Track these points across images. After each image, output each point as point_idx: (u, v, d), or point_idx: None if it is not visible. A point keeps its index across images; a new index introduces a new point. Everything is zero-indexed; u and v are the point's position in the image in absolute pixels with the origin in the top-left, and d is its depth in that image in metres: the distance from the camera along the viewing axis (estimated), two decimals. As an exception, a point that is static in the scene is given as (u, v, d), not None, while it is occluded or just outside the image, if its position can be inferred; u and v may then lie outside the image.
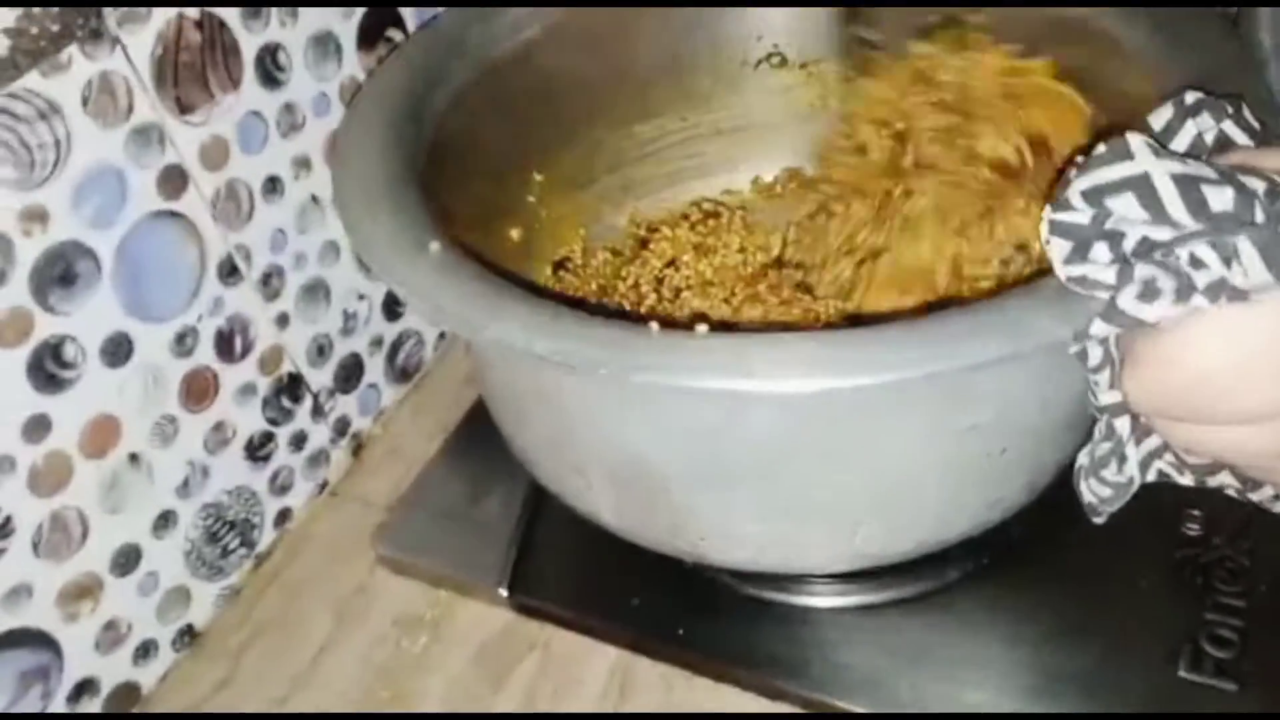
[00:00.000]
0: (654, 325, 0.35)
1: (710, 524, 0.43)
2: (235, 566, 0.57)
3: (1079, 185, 0.33)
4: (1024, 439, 0.40)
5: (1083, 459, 0.39)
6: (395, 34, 0.58)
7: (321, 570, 0.58)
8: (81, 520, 0.48)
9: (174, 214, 0.48)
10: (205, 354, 0.52)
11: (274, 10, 0.51)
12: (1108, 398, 0.36)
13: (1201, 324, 0.31)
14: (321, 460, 0.61)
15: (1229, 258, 0.31)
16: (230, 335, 0.53)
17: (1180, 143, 0.36)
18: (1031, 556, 0.48)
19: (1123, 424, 0.37)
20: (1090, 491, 0.40)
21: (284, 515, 0.59)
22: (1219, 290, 0.31)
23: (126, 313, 0.47)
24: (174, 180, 0.48)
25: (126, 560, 0.50)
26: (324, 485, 0.61)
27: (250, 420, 0.56)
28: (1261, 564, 0.47)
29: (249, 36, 0.50)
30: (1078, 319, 0.33)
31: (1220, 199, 0.32)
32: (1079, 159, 0.35)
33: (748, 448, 0.38)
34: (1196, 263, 0.31)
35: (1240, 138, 0.36)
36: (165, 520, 0.52)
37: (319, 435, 0.60)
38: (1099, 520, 0.40)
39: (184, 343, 0.50)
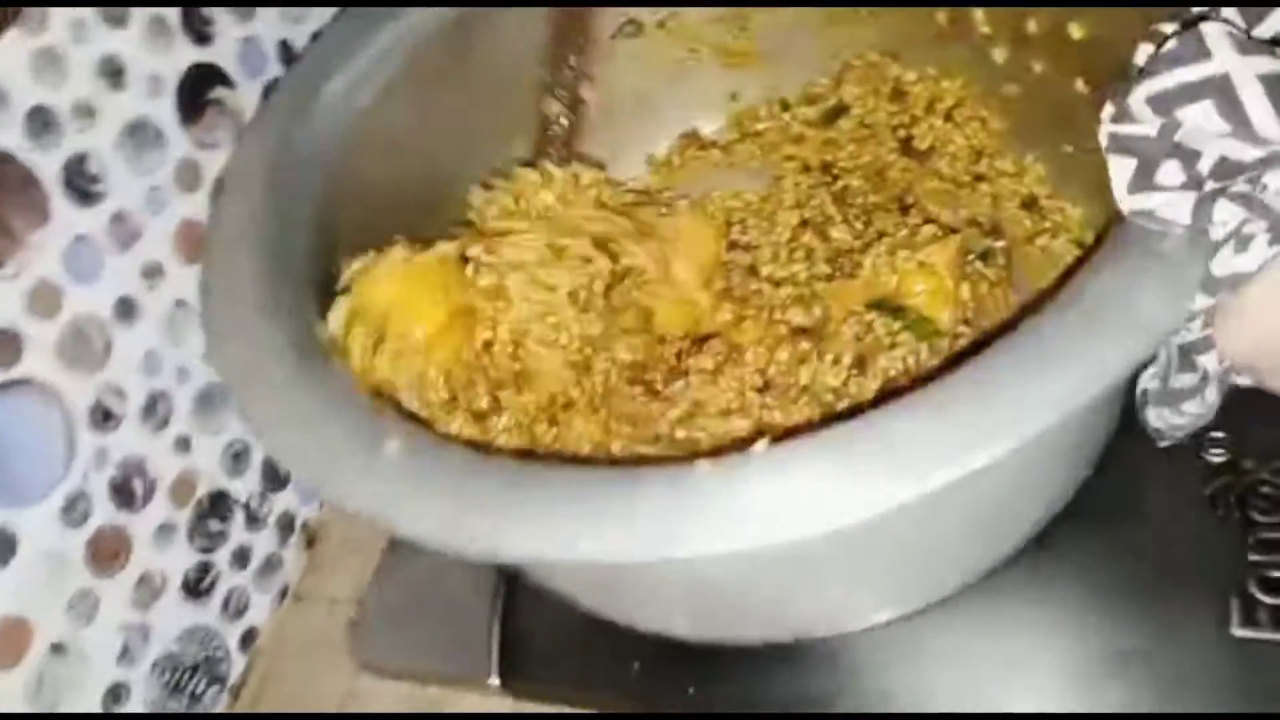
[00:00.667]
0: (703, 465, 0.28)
1: (739, 612, 0.38)
2: (211, 706, 0.52)
3: (1143, 90, 0.27)
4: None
5: (1149, 384, 0.34)
6: (223, 93, 0.51)
7: (303, 686, 0.53)
8: (17, 733, 0.43)
9: (17, 382, 0.42)
10: (104, 513, 0.46)
11: (67, 119, 0.43)
12: (1189, 334, 0.30)
13: None
14: (275, 566, 0.56)
15: None
16: (126, 482, 0.47)
17: (1270, 26, 0.29)
18: (1057, 536, 0.43)
19: (1209, 360, 0.32)
20: (1161, 419, 0.35)
21: (249, 637, 0.55)
22: None
23: (-3, 505, 0.42)
24: (4, 347, 0.42)
25: (84, 749, 0.46)
26: (285, 591, 0.56)
27: (179, 559, 0.50)
28: (1300, 481, 0.43)
29: (42, 158, 0.43)
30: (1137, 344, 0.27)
31: None
32: (1143, 57, 0.28)
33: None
34: None
35: None
36: (115, 694, 0.47)
37: (263, 542, 0.55)
38: (1165, 444, 0.37)
39: (74, 511, 0.45)
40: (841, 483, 0.27)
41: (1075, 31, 0.39)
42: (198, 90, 0.49)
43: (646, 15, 0.50)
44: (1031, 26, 0.42)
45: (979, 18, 0.45)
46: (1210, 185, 0.26)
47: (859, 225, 0.46)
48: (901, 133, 0.48)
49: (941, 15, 0.46)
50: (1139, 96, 0.27)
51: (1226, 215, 0.26)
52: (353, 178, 0.42)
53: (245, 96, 0.52)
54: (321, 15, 0.54)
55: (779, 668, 0.44)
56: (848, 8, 0.47)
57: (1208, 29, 0.26)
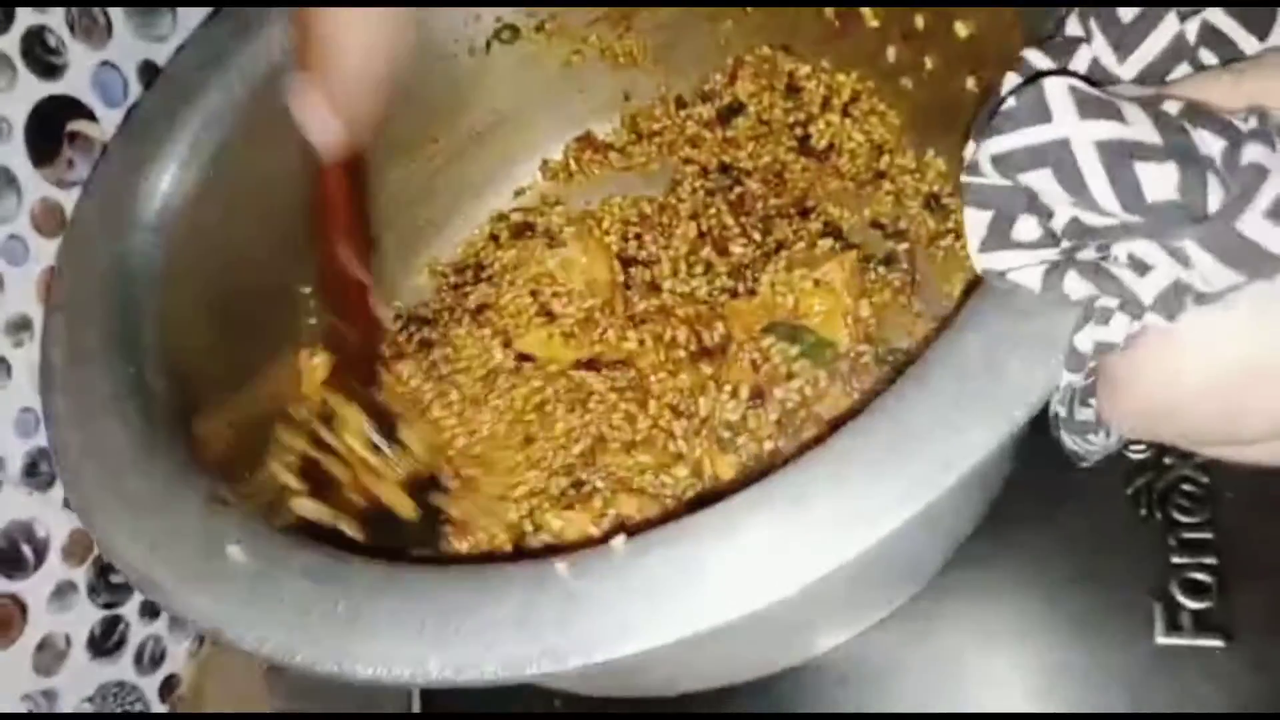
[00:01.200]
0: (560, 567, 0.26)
1: (687, 671, 0.37)
2: (134, 761, 0.51)
3: (988, 148, 0.25)
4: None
5: (1058, 408, 0.32)
6: (83, 125, 0.47)
7: (232, 731, 0.52)
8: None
9: (-126, 462, 0.40)
10: (-9, 584, 0.44)
11: (-103, 175, 0.40)
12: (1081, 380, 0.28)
13: (1169, 339, 0.24)
14: (188, 611, 0.54)
15: (1181, 258, 0.23)
16: (14, 548, 0.45)
17: (1154, 44, 0.26)
18: (980, 549, 0.42)
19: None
20: (1073, 443, 0.33)
21: (168, 685, 0.53)
22: (1174, 302, 0.23)
23: None
24: None
25: (-4, 826, 0.44)
26: (202, 637, 0.55)
27: (81, 619, 0.48)
28: (1221, 476, 0.41)
29: (-124, 220, 0.40)
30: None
31: (1160, 183, 0.23)
32: (997, 92, 0.26)
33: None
34: (1140, 265, 0.23)
35: (1238, 34, 0.26)
36: (24, 764, 0.46)
37: (174, 588, 0.53)
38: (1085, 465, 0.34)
39: (-45, 586, 0.43)
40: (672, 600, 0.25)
41: (961, 30, 0.37)
42: (52, 126, 0.46)
43: (522, 19, 0.47)
44: (919, 22, 0.40)
45: (867, 13, 0.42)
46: (1065, 243, 0.24)
47: (757, 235, 0.44)
48: (799, 130, 0.46)
49: (829, 10, 0.44)
50: (984, 154, 0.25)
51: (1076, 287, 0.24)
52: (183, 289, 0.39)
53: (108, 125, 0.48)
54: (185, 28, 0.50)
55: (727, 703, 0.43)
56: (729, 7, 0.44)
57: (1051, 87, 0.23)
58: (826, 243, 0.42)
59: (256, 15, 0.44)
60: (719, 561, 0.25)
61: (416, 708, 0.47)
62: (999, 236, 0.25)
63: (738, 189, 0.45)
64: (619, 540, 0.26)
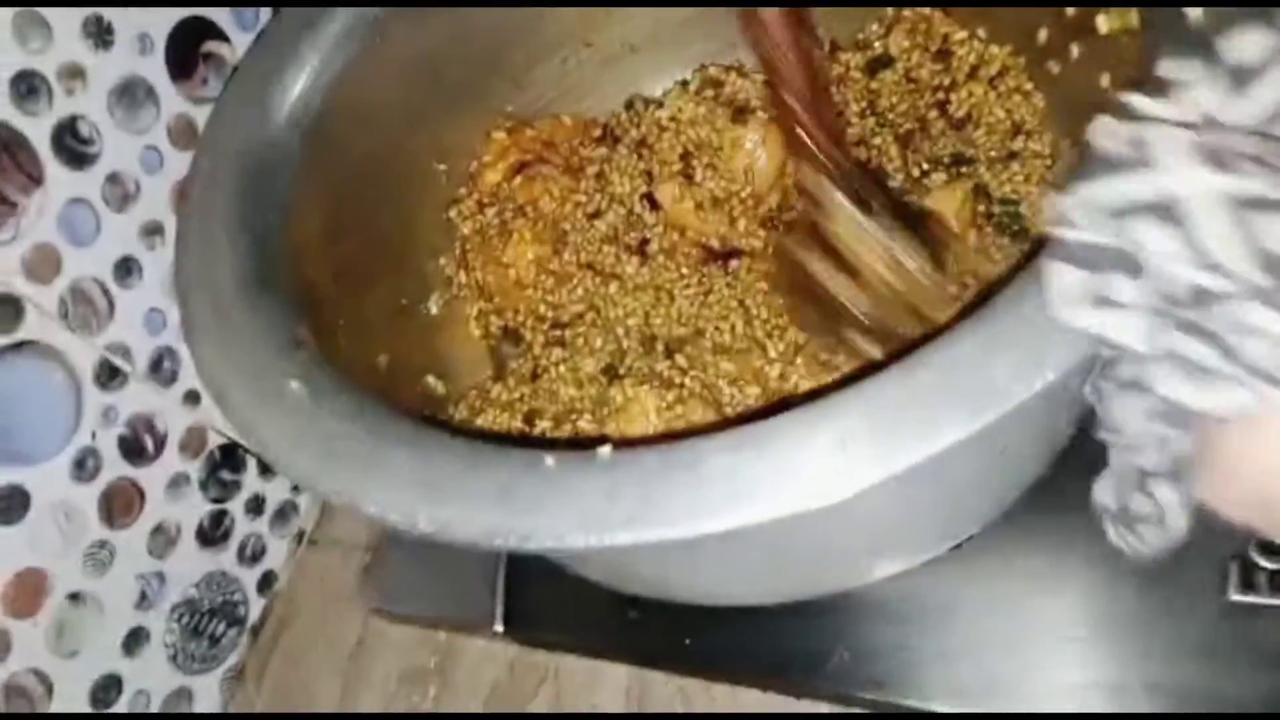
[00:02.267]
0: (550, 460, 0.29)
1: (718, 582, 0.38)
2: (230, 648, 0.54)
3: (1082, 196, 0.23)
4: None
5: (1105, 499, 0.31)
6: (216, 46, 0.50)
7: (318, 630, 0.55)
8: (40, 678, 0.45)
9: (21, 345, 0.43)
10: (115, 468, 0.48)
11: (55, 82, 0.43)
12: (1142, 458, 0.28)
13: None
14: (289, 513, 0.57)
15: None
16: (136, 438, 0.48)
17: (1266, 91, 0.23)
18: (1055, 493, 0.42)
19: (1169, 494, 0.29)
20: (1120, 538, 0.31)
21: (267, 580, 0.56)
22: None
23: (6, 464, 0.43)
24: (4, 310, 0.42)
25: (107, 692, 0.48)
26: (301, 535, 0.58)
27: (192, 510, 0.52)
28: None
29: (32, 122, 0.43)
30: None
31: None
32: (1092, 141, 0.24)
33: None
34: (1260, 333, 0.21)
35: None
36: (135, 639, 0.49)
37: (277, 490, 0.56)
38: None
39: (85, 467, 0.46)
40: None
41: (1102, 24, 0.37)
42: (189, 45, 0.49)
43: None
44: (1070, 10, 0.39)
45: None
46: (1164, 307, 0.22)
47: (916, 172, 0.44)
48: (940, 95, 0.46)
49: None
50: (1082, 204, 0.23)
51: (1187, 349, 0.22)
52: (320, 167, 0.42)
53: (240, 49, 0.51)
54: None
55: (776, 620, 0.45)
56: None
57: (1159, 135, 0.21)
58: (940, 176, 0.42)
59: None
60: (685, 483, 0.27)
61: (500, 620, 0.49)
62: (1091, 294, 0.23)
63: (905, 127, 0.45)
64: (605, 449, 0.29)
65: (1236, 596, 0.39)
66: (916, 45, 0.47)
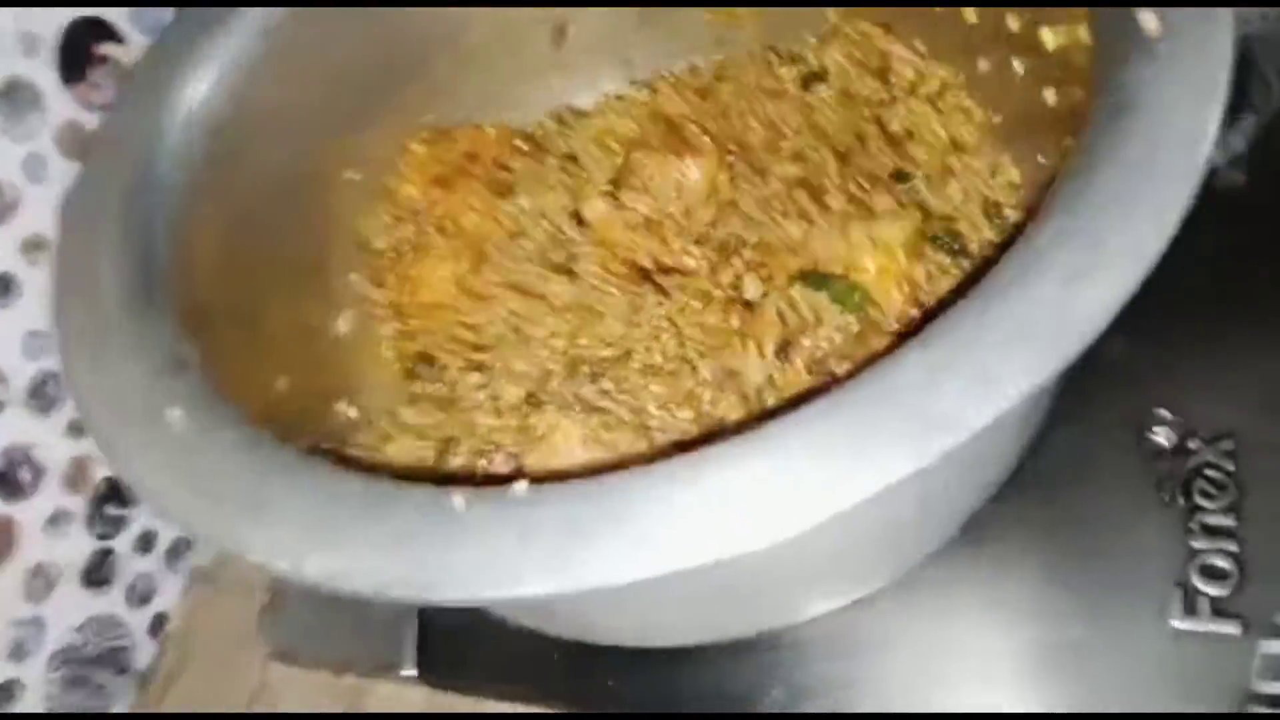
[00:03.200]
0: (458, 500, 0.27)
1: (642, 624, 0.36)
2: (118, 698, 0.50)
3: None
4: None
5: None
6: (111, 48, 0.47)
7: (214, 676, 0.51)
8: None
9: (-122, 368, 0.39)
10: (-14, 503, 0.43)
11: (-78, 79, 0.39)
12: None
13: None
14: (182, 549, 0.53)
15: None
16: (11, 470, 0.44)
17: None
18: (995, 520, 0.41)
19: None
20: None
21: (158, 622, 0.52)
22: None
23: None
24: None
25: (-24, 751, 0.43)
26: (196, 574, 0.54)
27: (76, 547, 0.48)
28: (1247, 463, 0.41)
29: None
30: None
31: None
32: None
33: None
34: None
35: None
36: (7, 692, 0.45)
37: (170, 525, 0.52)
38: None
39: (-49, 504, 0.42)
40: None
41: (1049, 40, 0.36)
42: (81, 47, 0.45)
43: None
44: (1012, 24, 0.38)
45: (967, 9, 0.41)
46: None
47: (855, 190, 0.42)
48: (879, 111, 0.44)
49: None
50: None
51: None
52: (220, 177, 0.39)
53: (137, 51, 0.48)
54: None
55: (707, 659, 0.42)
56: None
57: None
58: (888, 200, 0.41)
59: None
60: (612, 522, 0.25)
61: (412, 663, 0.46)
62: None
63: (844, 143, 0.44)
64: (521, 484, 0.26)
65: (1179, 623, 0.38)
66: (854, 61, 0.46)
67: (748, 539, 0.25)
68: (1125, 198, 0.26)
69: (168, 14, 0.48)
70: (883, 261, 0.38)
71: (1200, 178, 0.26)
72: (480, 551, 0.26)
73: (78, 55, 0.45)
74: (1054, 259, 0.26)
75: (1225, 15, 0.28)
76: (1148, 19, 0.29)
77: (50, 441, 0.46)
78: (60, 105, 0.45)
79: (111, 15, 0.47)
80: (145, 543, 0.51)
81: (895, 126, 0.44)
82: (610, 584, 0.25)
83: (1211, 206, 0.45)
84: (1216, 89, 0.27)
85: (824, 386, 0.28)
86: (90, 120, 0.46)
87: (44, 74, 0.44)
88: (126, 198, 0.36)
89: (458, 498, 0.27)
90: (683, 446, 0.27)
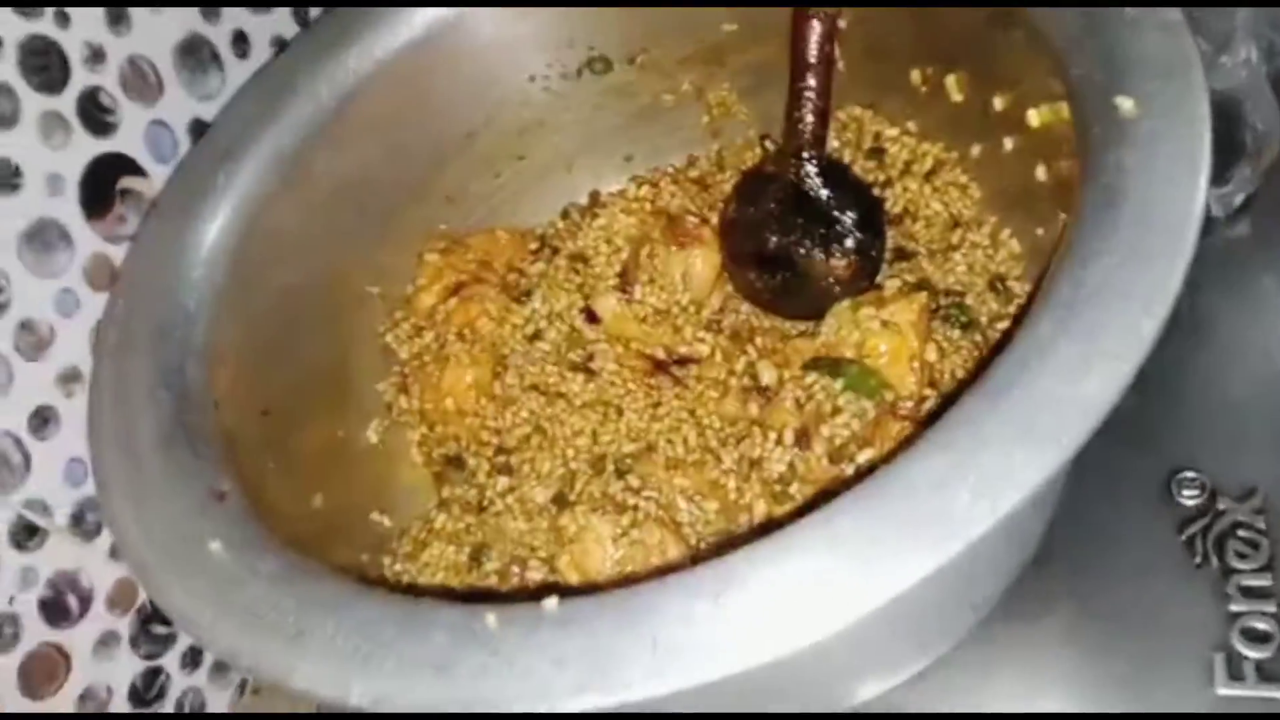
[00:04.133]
0: (490, 620, 0.27)
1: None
2: (171, 815, 0.50)
3: None
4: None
5: None
6: (133, 181, 0.49)
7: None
8: None
9: (-75, 512, 0.40)
10: (36, 632, 0.44)
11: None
12: None
13: None
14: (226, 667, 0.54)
15: None
16: (59, 598, 0.45)
17: None
18: (1028, 595, 0.40)
19: None
20: None
21: (209, 737, 0.53)
22: None
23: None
24: (-94, 476, 0.40)
25: None
26: (244, 685, 0.54)
27: (124, 669, 0.48)
28: (1278, 519, 0.40)
29: (-69, 273, 0.41)
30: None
31: None
32: None
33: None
34: None
35: None
36: (62, 817, 0.45)
37: (216, 639, 0.53)
38: None
39: (1, 636, 0.43)
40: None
41: (1033, 119, 0.37)
42: (105, 182, 0.47)
43: (615, 50, 0.48)
44: (997, 104, 0.39)
45: (951, 86, 0.42)
46: None
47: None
48: (878, 191, 0.45)
49: (916, 75, 0.44)
50: None
51: None
52: (243, 301, 0.41)
53: (158, 182, 0.49)
54: (233, 85, 0.52)
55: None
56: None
57: None
58: (895, 283, 0.41)
59: (302, 70, 0.45)
60: (639, 641, 0.26)
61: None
62: None
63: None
64: (551, 601, 0.27)
65: (1224, 690, 0.38)
66: (847, 143, 0.47)
67: (771, 648, 0.25)
68: (1119, 286, 0.27)
69: (185, 145, 0.50)
70: (894, 344, 0.38)
71: (1189, 257, 0.27)
72: (514, 675, 0.27)
73: (101, 190, 0.47)
74: (1055, 351, 0.27)
75: (1199, 86, 0.29)
76: (1124, 103, 0.29)
77: (95, 565, 0.47)
78: (86, 241, 0.46)
79: (132, 149, 0.48)
80: (193, 658, 0.52)
81: (894, 206, 0.45)
82: (639, 700, 0.26)
83: (1219, 260, 0.46)
84: (1198, 168, 0.28)
85: (844, 482, 0.28)
86: (116, 253, 0.47)
87: (70, 211, 0.46)
88: (154, 331, 0.38)
89: (490, 617, 0.28)
90: (709, 554, 0.28)
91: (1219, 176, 0.45)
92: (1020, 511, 0.25)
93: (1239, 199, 0.46)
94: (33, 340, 0.44)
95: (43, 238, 0.45)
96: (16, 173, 0.43)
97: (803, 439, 0.38)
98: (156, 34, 0.49)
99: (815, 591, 0.26)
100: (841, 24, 0.43)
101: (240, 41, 0.53)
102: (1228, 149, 0.44)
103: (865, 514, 0.27)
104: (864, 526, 0.26)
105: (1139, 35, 0.31)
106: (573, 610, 0.27)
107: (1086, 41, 0.32)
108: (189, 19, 0.51)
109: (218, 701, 0.53)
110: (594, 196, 0.51)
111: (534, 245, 0.49)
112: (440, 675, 0.27)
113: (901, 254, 0.44)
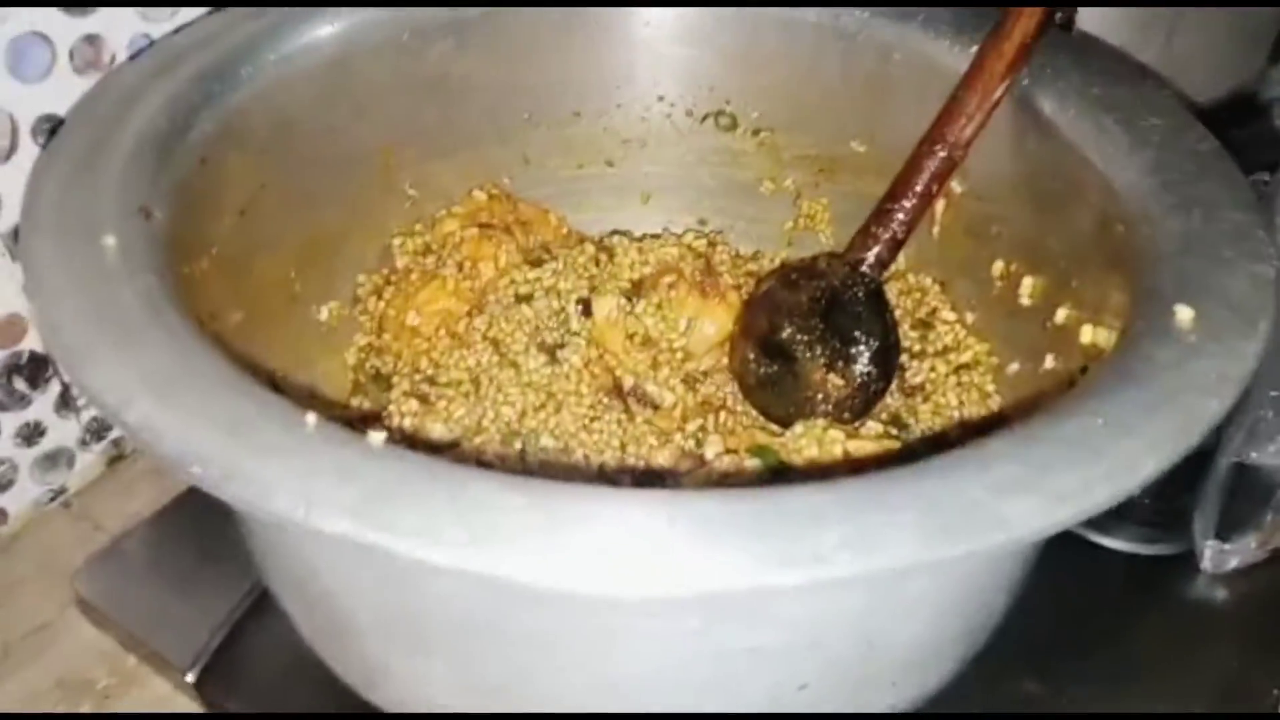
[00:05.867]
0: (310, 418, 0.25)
1: (406, 688, 0.32)
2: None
3: None
4: (835, 677, 0.29)
5: None
6: None
7: (12, 591, 0.47)
8: None
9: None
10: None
11: None
12: None
13: None
14: (60, 462, 0.50)
15: None
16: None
17: None
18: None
19: None
20: None
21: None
22: None
23: None
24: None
25: None
26: (61, 493, 0.51)
27: None
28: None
29: None
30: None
31: None
32: None
33: (441, 615, 0.28)
34: None
35: None
36: None
37: (63, 432, 0.50)
38: None
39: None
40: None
41: (1086, 335, 0.35)
42: None
43: (747, 116, 0.48)
44: (1059, 316, 0.37)
45: (1027, 286, 0.40)
46: None
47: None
48: (902, 358, 0.43)
49: (999, 266, 0.42)
50: None
51: None
52: (270, 120, 0.40)
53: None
54: None
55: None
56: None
57: None
58: (876, 427, 0.39)
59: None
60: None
61: (195, 671, 0.42)
62: None
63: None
64: (378, 436, 0.25)
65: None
66: (901, 306, 0.45)
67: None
68: (1087, 446, 0.25)
69: None
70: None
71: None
72: (284, 469, 0.24)
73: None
74: (989, 471, 0.24)
75: (1261, 333, 0.27)
76: (1183, 311, 0.28)
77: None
78: (195, 11, 0.46)
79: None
80: (32, 433, 0.48)
81: (914, 377, 0.43)
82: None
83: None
84: (1220, 400, 0.26)
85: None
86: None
87: None
88: (192, 75, 0.37)
89: (311, 416, 0.25)
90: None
91: (1224, 533, 0.43)
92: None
93: (1233, 563, 0.43)
94: (91, 55, 0.44)
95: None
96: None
97: None
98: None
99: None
100: (956, 188, 0.42)
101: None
102: (1244, 512, 0.42)
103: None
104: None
105: (1227, 270, 0.29)
106: (394, 450, 0.25)
107: (1175, 261, 0.30)
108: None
109: (23, 491, 0.49)
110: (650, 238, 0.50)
111: (574, 241, 0.48)
112: (226, 434, 0.25)
113: (896, 421, 0.41)
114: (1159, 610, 0.44)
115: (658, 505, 0.23)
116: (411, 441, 0.39)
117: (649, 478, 0.38)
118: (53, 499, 0.50)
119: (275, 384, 0.39)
